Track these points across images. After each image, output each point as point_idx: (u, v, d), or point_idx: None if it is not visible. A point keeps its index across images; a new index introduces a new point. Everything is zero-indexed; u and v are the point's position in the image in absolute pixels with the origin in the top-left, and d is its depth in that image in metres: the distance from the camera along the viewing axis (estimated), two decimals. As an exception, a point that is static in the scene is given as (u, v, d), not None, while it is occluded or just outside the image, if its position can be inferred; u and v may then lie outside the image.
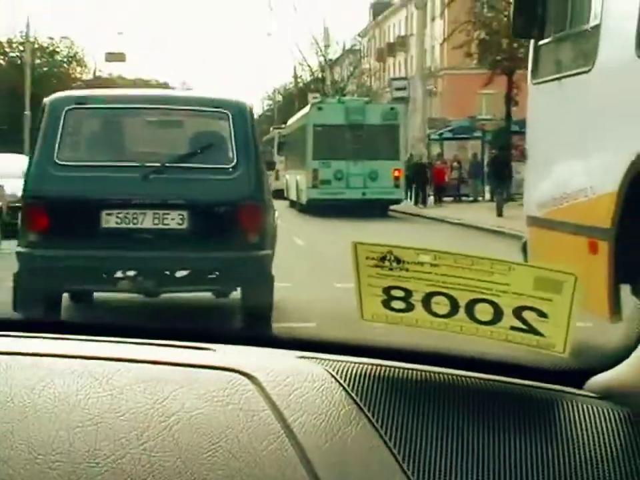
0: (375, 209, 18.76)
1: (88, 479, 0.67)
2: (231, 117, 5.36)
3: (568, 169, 4.59)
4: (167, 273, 5.34)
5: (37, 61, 43.98)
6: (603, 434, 0.71)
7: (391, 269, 0.78)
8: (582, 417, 0.73)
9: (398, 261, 0.78)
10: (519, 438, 0.71)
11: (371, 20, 47.40)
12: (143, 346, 0.84)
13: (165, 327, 0.95)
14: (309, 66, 45.21)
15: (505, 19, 20.58)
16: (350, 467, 0.70)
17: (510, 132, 21.81)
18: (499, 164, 19.16)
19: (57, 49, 46.92)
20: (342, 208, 17.86)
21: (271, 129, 32.51)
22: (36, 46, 42.76)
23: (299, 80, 47.04)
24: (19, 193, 6.07)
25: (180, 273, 5.36)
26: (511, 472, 0.68)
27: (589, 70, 4.30)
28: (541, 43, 5.12)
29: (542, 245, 4.79)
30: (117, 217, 5.13)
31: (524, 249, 5.06)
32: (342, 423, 0.72)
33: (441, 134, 27.53)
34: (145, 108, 5.90)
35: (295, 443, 0.70)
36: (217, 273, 5.37)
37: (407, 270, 0.77)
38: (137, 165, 5.31)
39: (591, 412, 0.73)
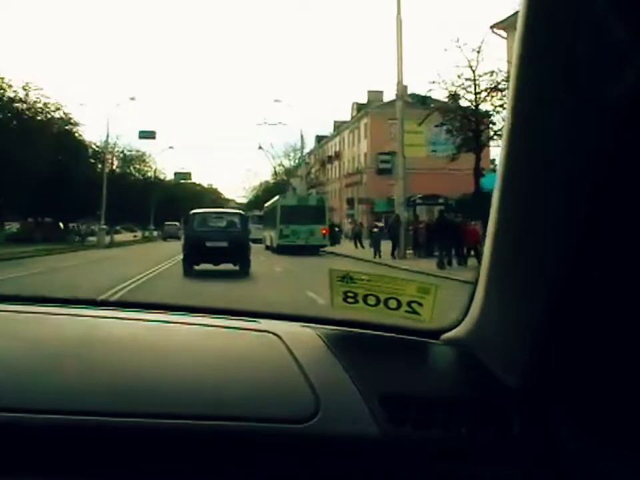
0: (313, 250, 33.78)
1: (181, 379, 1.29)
2: (239, 215, 21.39)
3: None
4: (221, 260, 18.64)
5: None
6: (446, 364, 1.48)
7: (347, 282, 1.55)
8: (436, 354, 1.50)
9: (351, 278, 1.55)
10: (406, 361, 1.47)
11: (315, 145, 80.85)
12: (220, 319, 1.57)
13: (234, 308, 1.68)
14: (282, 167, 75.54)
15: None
16: (332, 381, 1.35)
17: (480, 199, 23.39)
18: (439, 224, 23.45)
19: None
20: (295, 249, 33.07)
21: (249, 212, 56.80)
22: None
23: (277, 176, 77.30)
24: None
25: (226, 259, 18.70)
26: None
27: None
28: None
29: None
30: (209, 242, 18.50)
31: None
32: (323, 358, 1.44)
33: (414, 200, 32.50)
34: (216, 213, 21.92)
35: (300, 367, 1.35)
36: (238, 260, 18.87)
37: (355, 283, 1.55)
38: (214, 228, 19.57)
39: (442, 352, 1.50)
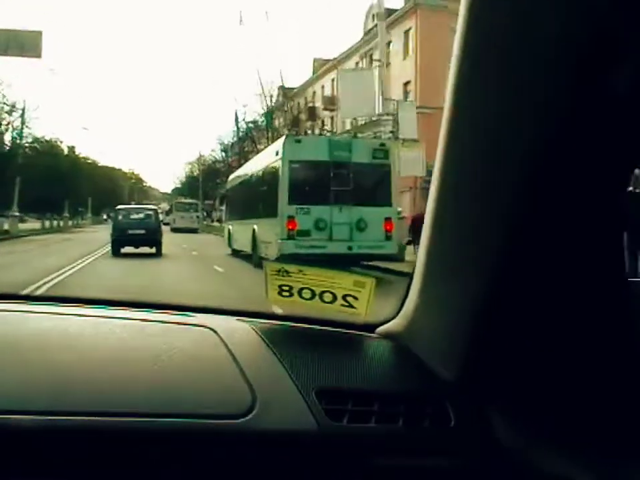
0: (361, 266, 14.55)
1: (117, 375, 1.25)
2: (153, 210, 24.64)
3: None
4: (140, 244, 21.51)
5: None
6: (382, 358, 1.49)
7: (282, 276, 1.53)
8: (372, 347, 1.50)
9: (286, 272, 1.53)
10: (342, 355, 1.46)
11: (278, 100, 48.87)
12: (155, 313, 1.53)
13: (169, 303, 1.63)
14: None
15: None
16: (268, 375, 1.34)
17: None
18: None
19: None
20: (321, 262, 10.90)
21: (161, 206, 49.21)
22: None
23: (242, 122, 49.45)
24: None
25: (144, 243, 21.89)
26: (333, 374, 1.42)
27: None
28: None
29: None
30: (131, 230, 22.00)
31: None
32: (259, 353, 1.42)
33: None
34: (136, 208, 25.30)
35: (236, 362, 1.33)
36: (153, 244, 21.62)
37: (290, 276, 1.53)
38: (134, 220, 22.68)
39: (377, 346, 1.51)
